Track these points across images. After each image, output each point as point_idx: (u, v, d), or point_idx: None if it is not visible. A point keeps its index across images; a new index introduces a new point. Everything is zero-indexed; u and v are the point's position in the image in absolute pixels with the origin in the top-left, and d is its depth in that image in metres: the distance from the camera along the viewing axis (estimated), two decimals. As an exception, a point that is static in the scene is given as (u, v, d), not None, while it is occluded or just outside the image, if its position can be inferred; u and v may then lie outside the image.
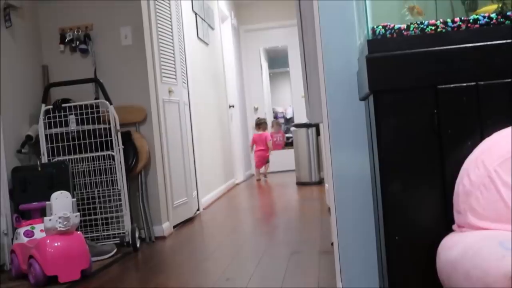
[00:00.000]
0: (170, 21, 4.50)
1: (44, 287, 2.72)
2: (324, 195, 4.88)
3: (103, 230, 3.59)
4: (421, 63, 1.49)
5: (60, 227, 2.74)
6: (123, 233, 3.52)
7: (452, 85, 1.48)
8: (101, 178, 3.57)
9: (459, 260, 1.24)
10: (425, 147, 1.50)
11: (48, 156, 3.49)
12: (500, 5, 1.59)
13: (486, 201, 1.30)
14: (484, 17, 1.52)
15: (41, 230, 2.93)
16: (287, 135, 8.78)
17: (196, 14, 5.69)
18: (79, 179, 3.57)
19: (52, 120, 3.53)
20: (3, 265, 3.17)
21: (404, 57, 1.50)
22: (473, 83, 1.47)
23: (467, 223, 1.34)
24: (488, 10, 1.60)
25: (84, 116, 3.55)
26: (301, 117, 8.27)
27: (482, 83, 1.46)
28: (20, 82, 3.61)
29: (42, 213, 2.98)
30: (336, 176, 1.89)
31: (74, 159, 3.55)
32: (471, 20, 1.52)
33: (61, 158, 3.50)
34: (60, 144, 3.53)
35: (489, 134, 1.42)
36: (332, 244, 2.75)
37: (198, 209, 5.02)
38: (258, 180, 7.76)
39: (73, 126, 3.53)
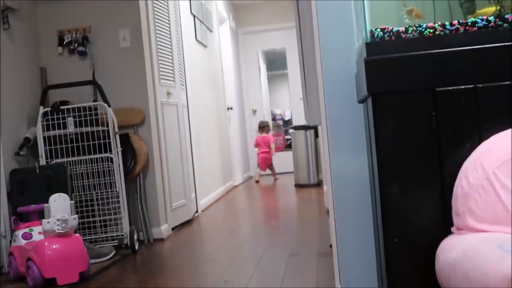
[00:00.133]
0: (169, 23, 4.50)
1: (42, 289, 2.72)
2: (323, 197, 4.88)
3: (102, 232, 3.58)
4: (419, 65, 1.49)
5: (58, 229, 2.73)
6: (122, 235, 3.52)
7: (450, 88, 1.48)
8: (99, 180, 3.57)
9: (458, 262, 1.25)
10: (423, 149, 1.50)
11: (47, 158, 3.49)
12: (498, 7, 1.60)
13: (484, 203, 1.30)
14: (482, 19, 1.52)
15: (39, 233, 2.92)
16: (286, 137, 8.79)
17: (194, 16, 5.69)
18: (77, 181, 3.57)
19: (50, 122, 3.52)
20: (1, 267, 3.16)
21: (403, 60, 1.50)
22: (471, 86, 1.47)
23: (466, 225, 1.34)
24: (487, 12, 1.61)
25: (83, 118, 3.54)
26: (300, 119, 8.28)
27: (480, 85, 1.47)
28: (18, 84, 3.61)
29: (40, 215, 2.98)
30: (335, 178, 1.89)
31: (72, 161, 3.54)
32: (469, 23, 1.53)
33: (59, 160, 3.50)
34: (58, 146, 3.53)
35: (487, 136, 1.42)
36: (330, 246, 2.75)
37: (196, 211, 5.02)
38: (257, 181, 7.76)
39: (71, 128, 3.53)
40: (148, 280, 2.77)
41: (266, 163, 7.88)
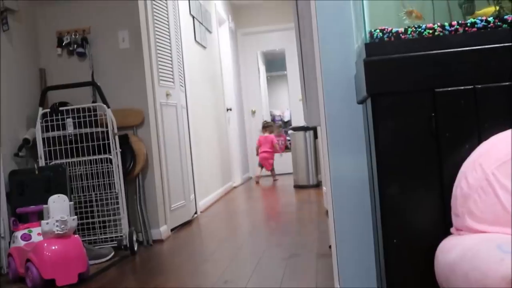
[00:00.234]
0: (168, 25, 4.50)
1: (42, 290, 2.71)
2: (322, 198, 4.88)
3: (101, 234, 3.58)
4: (418, 66, 1.49)
5: (57, 230, 2.73)
6: (121, 236, 3.52)
7: (449, 88, 1.48)
8: (98, 182, 3.57)
9: (457, 262, 1.25)
10: (423, 150, 1.50)
11: (46, 159, 3.49)
12: (497, 8, 1.60)
13: (484, 204, 1.31)
14: (481, 20, 1.53)
15: (39, 234, 2.92)
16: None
17: (193, 17, 5.70)
18: (76, 183, 3.57)
19: (49, 123, 3.52)
20: (1, 268, 3.16)
21: (402, 61, 1.50)
22: (470, 86, 1.47)
23: (465, 226, 1.34)
24: (486, 12, 1.61)
25: (82, 120, 3.54)
26: (299, 120, 8.29)
27: (479, 86, 1.47)
28: (18, 86, 3.61)
29: (40, 216, 2.98)
30: (334, 179, 1.89)
31: (71, 162, 3.54)
32: (468, 24, 1.53)
33: (58, 161, 3.50)
34: (57, 147, 3.52)
35: (486, 137, 1.43)
36: (330, 246, 2.75)
37: (195, 212, 5.02)
38: (257, 182, 7.78)
39: (70, 130, 3.52)
40: (148, 281, 2.77)
41: (269, 162, 7.90)
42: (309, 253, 3.05)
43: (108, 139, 3.54)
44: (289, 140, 8.05)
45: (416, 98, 1.50)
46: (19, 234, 2.97)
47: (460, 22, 1.54)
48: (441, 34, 1.54)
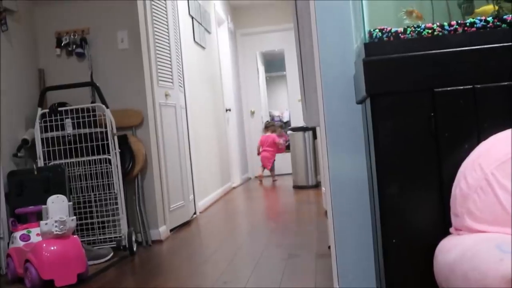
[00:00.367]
0: (167, 25, 4.50)
1: (40, 291, 2.71)
2: (321, 198, 4.88)
3: (100, 234, 3.58)
4: (418, 66, 1.49)
5: (56, 231, 2.73)
6: (120, 236, 3.51)
7: (449, 88, 1.48)
8: (97, 182, 3.56)
9: (457, 262, 1.25)
10: (422, 150, 1.50)
11: (44, 159, 3.48)
12: (497, 8, 1.60)
13: (483, 204, 1.30)
14: (480, 20, 1.53)
15: (37, 234, 2.92)
16: (286, 138, 8.82)
17: (192, 18, 5.69)
18: (75, 183, 3.56)
19: (48, 123, 3.52)
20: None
21: (401, 60, 1.50)
22: (470, 86, 1.47)
23: (464, 226, 1.34)
24: (486, 10, 1.61)
25: (81, 120, 3.54)
26: (298, 121, 8.29)
27: (479, 86, 1.47)
28: (17, 86, 3.60)
29: (38, 217, 2.98)
30: (333, 179, 1.89)
31: (70, 162, 3.54)
32: (467, 24, 1.53)
33: (57, 161, 3.49)
34: (56, 147, 3.52)
35: (486, 137, 1.42)
36: (329, 247, 2.75)
37: (194, 213, 5.02)
38: (260, 181, 7.80)
39: (69, 130, 3.52)
40: (147, 282, 2.77)
41: (270, 162, 7.91)
42: (308, 253, 3.05)
43: (107, 140, 3.54)
44: (288, 141, 8.06)
45: (415, 98, 1.50)
46: (18, 234, 2.96)
47: (459, 22, 1.54)
48: (440, 34, 1.54)
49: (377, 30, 1.57)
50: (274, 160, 8.03)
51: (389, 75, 1.50)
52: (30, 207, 3.04)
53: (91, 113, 3.58)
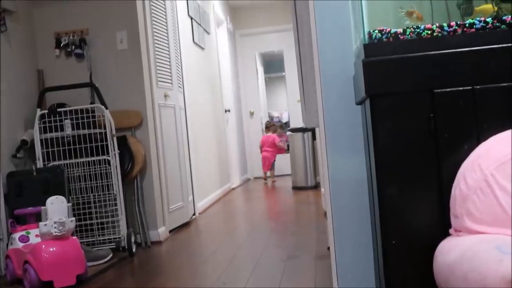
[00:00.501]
0: (166, 26, 4.50)
1: (39, 292, 2.71)
2: (320, 199, 4.88)
3: (99, 235, 3.57)
4: (417, 67, 1.49)
5: (55, 232, 2.72)
6: (119, 237, 3.51)
7: (448, 89, 1.48)
8: (96, 183, 3.56)
9: (456, 263, 1.24)
10: (421, 150, 1.50)
11: (44, 160, 3.48)
12: (496, 9, 1.60)
13: (483, 205, 1.30)
14: (480, 21, 1.53)
15: (36, 235, 2.91)
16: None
17: (191, 18, 5.69)
18: (74, 184, 3.56)
19: (47, 124, 3.52)
20: (-2, 270, 3.15)
21: (401, 61, 1.50)
22: (469, 87, 1.47)
23: (464, 227, 1.34)
24: (485, 9, 1.61)
25: (80, 121, 3.54)
26: (297, 122, 8.29)
27: (478, 87, 1.47)
28: (15, 87, 3.60)
29: (38, 218, 2.97)
30: (333, 180, 1.89)
31: (69, 163, 3.53)
32: (467, 24, 1.53)
33: (56, 162, 3.49)
34: (55, 148, 3.52)
35: (485, 138, 1.42)
36: (328, 248, 2.75)
37: (194, 214, 5.01)
38: (266, 182, 7.82)
39: (68, 131, 3.52)
40: (146, 282, 2.77)
41: (269, 162, 7.92)
42: (308, 254, 3.05)
43: (106, 141, 3.54)
44: (287, 141, 8.07)
45: (414, 98, 1.50)
46: (17, 235, 2.96)
47: (458, 23, 1.54)
48: (440, 35, 1.54)
49: (376, 31, 1.57)
50: (275, 160, 8.04)
51: (389, 76, 1.50)
52: (29, 208, 3.03)
53: (90, 114, 3.57)
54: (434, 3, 1.70)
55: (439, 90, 1.48)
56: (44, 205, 2.77)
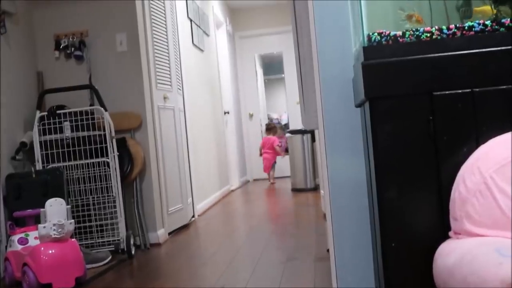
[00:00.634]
0: (165, 28, 4.50)
1: (38, 295, 2.70)
2: (319, 201, 4.88)
3: (98, 237, 3.57)
4: (416, 69, 1.49)
5: (54, 234, 2.72)
6: (118, 240, 3.51)
7: (447, 92, 1.48)
8: (96, 185, 3.56)
9: (456, 266, 1.24)
10: (421, 153, 1.50)
11: (43, 162, 3.48)
12: (495, 11, 1.60)
13: (482, 208, 1.30)
14: (479, 24, 1.53)
15: (35, 238, 2.91)
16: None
17: (191, 20, 5.70)
18: (73, 186, 3.56)
19: (46, 126, 3.51)
20: (-3, 272, 3.15)
21: (400, 64, 1.50)
22: (468, 90, 1.47)
23: (463, 230, 1.34)
24: (485, 10, 1.61)
25: (79, 123, 3.54)
26: (296, 124, 8.29)
27: (477, 89, 1.47)
28: (15, 89, 3.60)
29: (37, 220, 2.97)
30: (332, 182, 1.89)
31: (68, 165, 3.53)
32: (466, 27, 1.53)
33: (55, 165, 3.49)
34: (54, 150, 3.52)
35: (484, 140, 1.42)
36: (328, 250, 2.74)
37: (193, 216, 5.01)
38: (273, 183, 7.84)
39: (68, 133, 3.52)
40: (145, 285, 2.76)
41: (269, 163, 7.94)
42: (307, 256, 3.04)
43: (105, 143, 3.54)
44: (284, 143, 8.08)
45: (414, 101, 1.50)
46: (16, 238, 2.95)
47: (457, 25, 1.54)
48: (439, 37, 1.54)
49: (376, 34, 1.57)
50: (275, 162, 8.05)
51: (388, 78, 1.51)
52: (28, 210, 3.03)
53: (90, 116, 3.57)
54: (433, 6, 1.71)
55: (438, 93, 1.48)
56: (43, 207, 2.76)
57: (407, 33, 1.56)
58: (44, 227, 2.72)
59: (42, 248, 2.71)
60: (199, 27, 6.09)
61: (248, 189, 7.56)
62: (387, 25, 1.68)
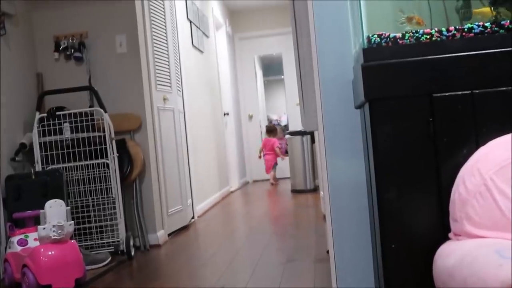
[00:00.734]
0: (165, 29, 4.50)
1: (38, 296, 2.70)
2: (319, 202, 4.88)
3: (98, 239, 3.57)
4: (416, 71, 1.49)
5: (54, 235, 2.72)
6: (118, 241, 3.51)
7: (447, 93, 1.48)
8: (95, 186, 3.56)
9: (456, 267, 1.24)
10: (421, 154, 1.50)
11: (42, 164, 3.48)
12: (494, 13, 1.61)
13: (482, 209, 1.30)
14: (478, 26, 1.53)
15: (35, 239, 2.90)
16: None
17: (190, 22, 5.70)
18: (73, 187, 3.56)
19: (46, 128, 3.51)
20: (-4, 274, 3.15)
21: (400, 66, 1.50)
22: (468, 91, 1.48)
23: (463, 231, 1.34)
24: (484, 11, 1.62)
25: (79, 124, 3.54)
26: (296, 125, 8.29)
27: (477, 91, 1.47)
28: (15, 90, 3.60)
29: (36, 221, 2.97)
30: (332, 184, 1.89)
31: (68, 167, 3.53)
32: (465, 29, 1.53)
33: (55, 166, 3.49)
34: (54, 152, 3.52)
35: (484, 142, 1.43)
36: (327, 251, 2.74)
37: (193, 217, 5.01)
38: (272, 184, 7.88)
39: (67, 134, 3.52)
40: (145, 286, 2.76)
41: (270, 164, 7.95)
42: (307, 258, 3.04)
43: (105, 144, 3.54)
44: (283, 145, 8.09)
45: (413, 103, 1.50)
46: (15, 239, 2.95)
47: (457, 27, 1.55)
48: (439, 39, 1.54)
49: (375, 36, 1.57)
50: (276, 163, 8.06)
51: (388, 80, 1.51)
52: (28, 211, 3.03)
53: (89, 117, 3.57)
54: (432, 8, 1.71)
55: (438, 95, 1.48)
56: (43, 208, 2.76)
57: (407, 35, 1.56)
58: (44, 228, 2.72)
59: (42, 250, 2.71)
60: (199, 28, 6.09)
61: (248, 190, 7.55)
62: (387, 26, 1.68)
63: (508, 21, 1.52)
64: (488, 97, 1.47)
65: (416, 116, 1.50)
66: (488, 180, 1.31)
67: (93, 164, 3.55)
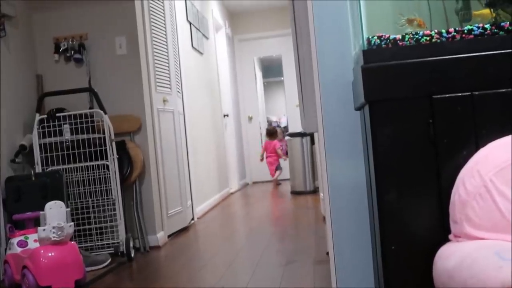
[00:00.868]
0: (165, 31, 4.51)
1: (38, 297, 2.70)
2: (319, 204, 4.88)
3: (97, 240, 3.57)
4: (416, 73, 1.50)
5: (54, 237, 2.72)
6: (118, 242, 3.51)
7: (447, 95, 1.48)
8: (95, 188, 3.56)
9: (456, 269, 1.24)
10: (420, 156, 1.50)
11: (42, 165, 3.48)
12: (494, 15, 1.61)
13: (482, 211, 1.31)
14: (478, 27, 1.53)
15: (35, 240, 2.90)
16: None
17: (190, 23, 5.70)
18: (73, 189, 3.56)
19: (46, 129, 3.51)
20: (-4, 275, 3.15)
21: (400, 67, 1.50)
22: (468, 93, 1.48)
23: (463, 232, 1.34)
24: (484, 13, 1.62)
25: (79, 126, 3.54)
26: (296, 126, 8.29)
27: (477, 93, 1.47)
28: (14, 91, 3.60)
29: (36, 223, 2.97)
30: (331, 185, 1.89)
31: (68, 168, 3.53)
32: (465, 31, 1.54)
33: (55, 167, 3.49)
34: (54, 153, 3.52)
35: (484, 143, 1.43)
36: (327, 253, 2.74)
37: (192, 219, 5.01)
38: (278, 184, 7.88)
39: (67, 136, 3.52)
40: (145, 287, 2.76)
41: (273, 169, 7.97)
42: (307, 259, 3.04)
43: (105, 145, 3.54)
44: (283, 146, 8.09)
45: (413, 104, 1.50)
46: (15, 240, 2.95)
47: (457, 29, 1.55)
48: (439, 41, 1.54)
49: (375, 37, 1.58)
50: (278, 165, 8.07)
51: (388, 81, 1.51)
52: (28, 213, 3.03)
53: (89, 119, 3.57)
54: (432, 9, 1.71)
55: (438, 96, 1.49)
56: (43, 210, 2.76)
57: (407, 36, 1.57)
58: (44, 229, 2.72)
59: (42, 251, 2.71)
60: (199, 30, 6.09)
61: (248, 192, 7.55)
62: (386, 27, 1.68)
63: (508, 23, 1.52)
64: (488, 99, 1.47)
65: (416, 118, 1.50)
66: (488, 182, 1.31)
67: (93, 165, 3.55)
